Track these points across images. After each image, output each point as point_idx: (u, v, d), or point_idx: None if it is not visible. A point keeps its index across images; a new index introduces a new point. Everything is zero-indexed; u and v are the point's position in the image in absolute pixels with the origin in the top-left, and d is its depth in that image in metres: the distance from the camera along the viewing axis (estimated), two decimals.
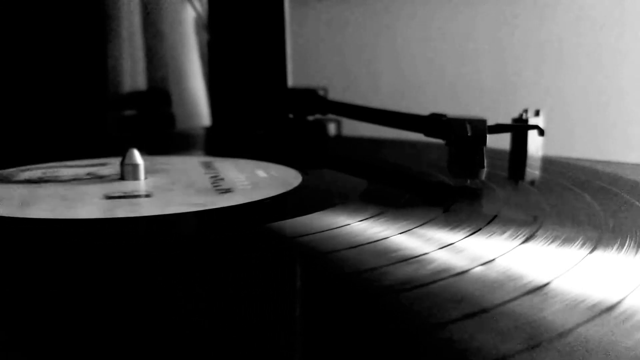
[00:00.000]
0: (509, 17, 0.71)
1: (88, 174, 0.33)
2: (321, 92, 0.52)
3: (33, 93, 0.54)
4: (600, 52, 0.68)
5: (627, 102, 0.68)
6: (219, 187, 0.30)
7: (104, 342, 0.13)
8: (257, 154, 0.39)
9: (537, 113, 0.40)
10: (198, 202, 0.26)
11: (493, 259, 0.19)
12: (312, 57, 0.77)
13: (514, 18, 0.71)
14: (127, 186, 0.30)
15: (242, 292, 0.17)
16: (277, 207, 0.27)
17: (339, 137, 0.55)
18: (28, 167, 0.36)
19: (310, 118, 0.53)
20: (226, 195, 0.28)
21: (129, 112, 0.58)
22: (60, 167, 0.36)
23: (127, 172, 0.31)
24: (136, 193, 0.28)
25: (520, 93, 0.71)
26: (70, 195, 0.28)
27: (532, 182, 0.33)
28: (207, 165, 0.36)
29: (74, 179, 0.32)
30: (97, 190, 0.29)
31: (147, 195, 0.28)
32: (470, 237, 0.21)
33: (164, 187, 0.30)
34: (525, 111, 0.40)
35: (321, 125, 0.54)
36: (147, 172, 0.33)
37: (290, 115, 0.53)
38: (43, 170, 0.34)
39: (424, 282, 0.17)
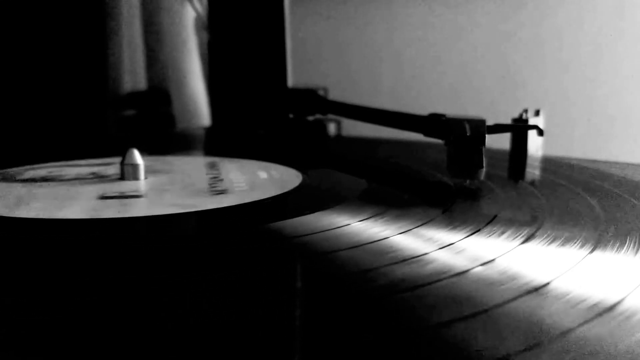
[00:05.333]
0: (510, 17, 0.71)
1: (91, 173, 0.33)
2: (321, 92, 0.52)
3: (34, 93, 0.54)
4: (601, 52, 0.68)
5: (627, 102, 0.68)
6: (216, 188, 0.30)
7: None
8: (257, 154, 0.39)
9: (537, 113, 0.40)
10: (189, 204, 0.26)
11: (493, 259, 0.19)
12: (312, 57, 0.77)
13: (514, 18, 0.71)
14: (125, 186, 0.30)
15: (242, 292, 0.17)
16: (277, 207, 0.27)
17: (339, 136, 0.55)
18: (33, 166, 0.36)
19: (310, 118, 0.53)
20: (219, 197, 0.28)
21: (129, 112, 0.58)
22: (65, 166, 0.36)
23: (127, 172, 0.31)
24: (131, 193, 0.28)
25: (520, 93, 0.71)
26: (66, 195, 0.28)
27: (532, 182, 0.33)
28: (212, 166, 0.36)
29: (76, 179, 0.32)
30: (95, 190, 0.29)
31: (139, 196, 0.28)
32: (470, 237, 0.21)
33: (160, 187, 0.30)
34: (525, 111, 0.40)
35: (321, 125, 0.54)
36: (149, 171, 0.33)
37: (290, 115, 0.53)
38: (49, 170, 0.35)
39: (424, 282, 0.17)
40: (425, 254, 0.19)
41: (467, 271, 0.18)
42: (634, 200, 0.27)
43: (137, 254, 0.20)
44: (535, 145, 0.40)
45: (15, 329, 0.14)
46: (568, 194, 0.28)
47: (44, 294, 0.16)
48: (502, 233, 0.21)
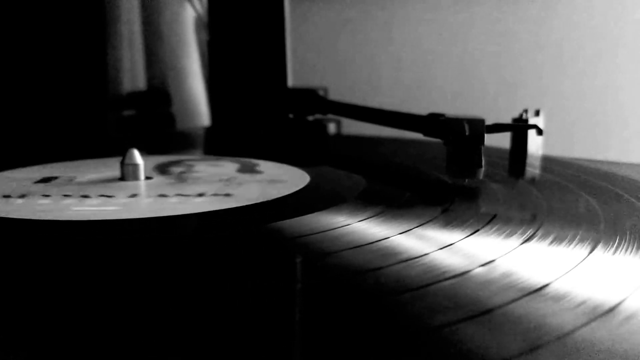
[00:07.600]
0: (509, 18, 0.71)
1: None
2: (321, 92, 0.52)
3: (33, 93, 0.54)
4: (600, 52, 0.68)
5: (627, 102, 0.68)
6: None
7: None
8: (257, 153, 0.39)
9: (537, 113, 0.40)
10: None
11: (493, 260, 0.19)
12: (312, 57, 0.77)
13: (514, 18, 0.71)
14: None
15: (242, 293, 0.17)
16: (277, 207, 0.27)
17: (338, 136, 0.55)
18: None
19: (310, 118, 0.53)
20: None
21: (129, 112, 0.58)
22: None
23: (127, 172, 0.31)
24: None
25: (520, 93, 0.71)
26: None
27: (532, 181, 0.33)
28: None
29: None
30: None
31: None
32: (470, 237, 0.21)
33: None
34: (525, 111, 0.40)
35: (321, 125, 0.54)
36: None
37: (290, 115, 0.53)
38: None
39: (424, 283, 0.17)
40: (425, 254, 0.19)
41: (466, 272, 0.18)
42: (634, 200, 0.27)
43: (136, 253, 0.20)
44: (535, 144, 0.40)
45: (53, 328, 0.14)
46: (568, 193, 0.28)
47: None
48: (502, 233, 0.21)
